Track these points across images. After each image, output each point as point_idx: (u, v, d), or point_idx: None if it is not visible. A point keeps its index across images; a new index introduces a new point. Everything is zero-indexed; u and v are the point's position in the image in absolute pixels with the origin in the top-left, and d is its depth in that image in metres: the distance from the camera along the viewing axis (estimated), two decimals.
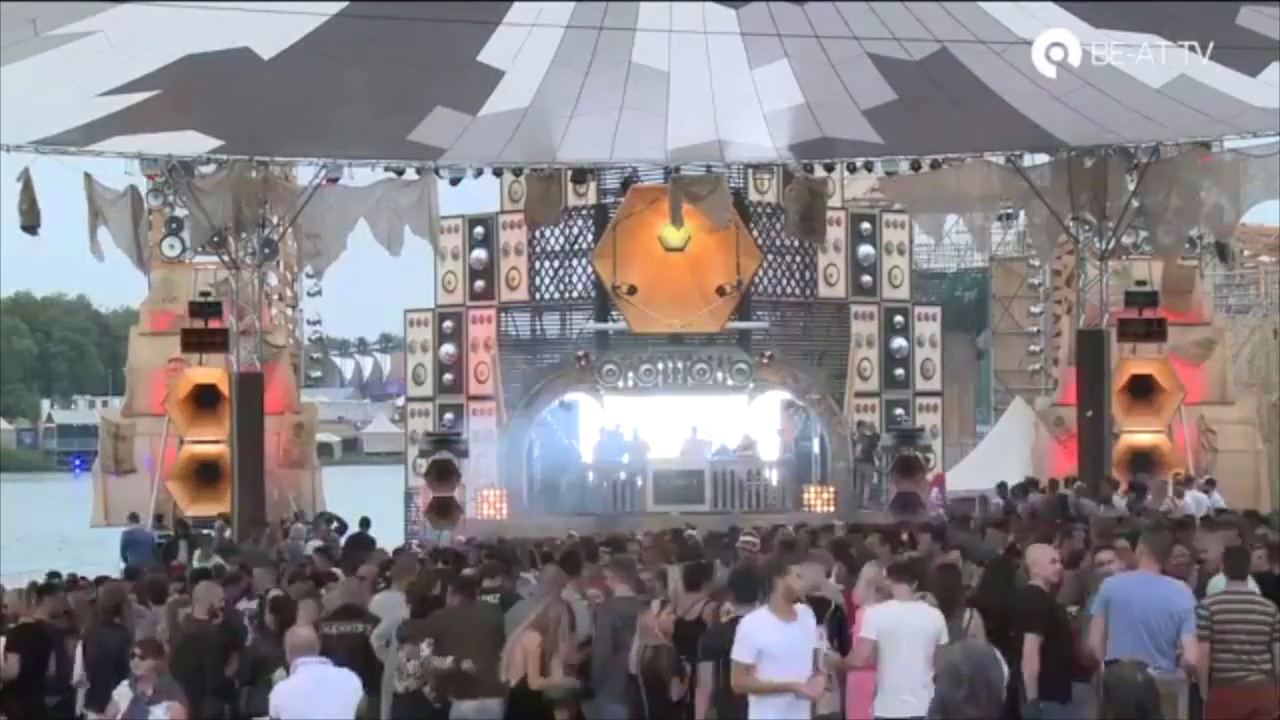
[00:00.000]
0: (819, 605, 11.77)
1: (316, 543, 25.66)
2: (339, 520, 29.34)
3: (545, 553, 17.38)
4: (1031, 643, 10.31)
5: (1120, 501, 25.70)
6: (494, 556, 16.20)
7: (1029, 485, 28.97)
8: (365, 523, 26.41)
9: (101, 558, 29.62)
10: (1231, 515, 19.69)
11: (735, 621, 10.64)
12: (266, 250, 31.07)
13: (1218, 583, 11.83)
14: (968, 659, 6.63)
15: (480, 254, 33.97)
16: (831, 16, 26.35)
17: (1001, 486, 28.84)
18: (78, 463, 74.23)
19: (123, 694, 10.67)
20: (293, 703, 9.50)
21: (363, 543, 22.36)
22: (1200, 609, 10.88)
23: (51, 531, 44.25)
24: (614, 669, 12.09)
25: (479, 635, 11.99)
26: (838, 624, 11.71)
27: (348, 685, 9.78)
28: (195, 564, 24.59)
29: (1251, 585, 11.48)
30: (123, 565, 26.97)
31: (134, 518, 29.40)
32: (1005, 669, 6.98)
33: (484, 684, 11.84)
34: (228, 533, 28.24)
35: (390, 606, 13.47)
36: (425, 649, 11.84)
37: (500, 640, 12.03)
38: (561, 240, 33.95)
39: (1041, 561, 11.30)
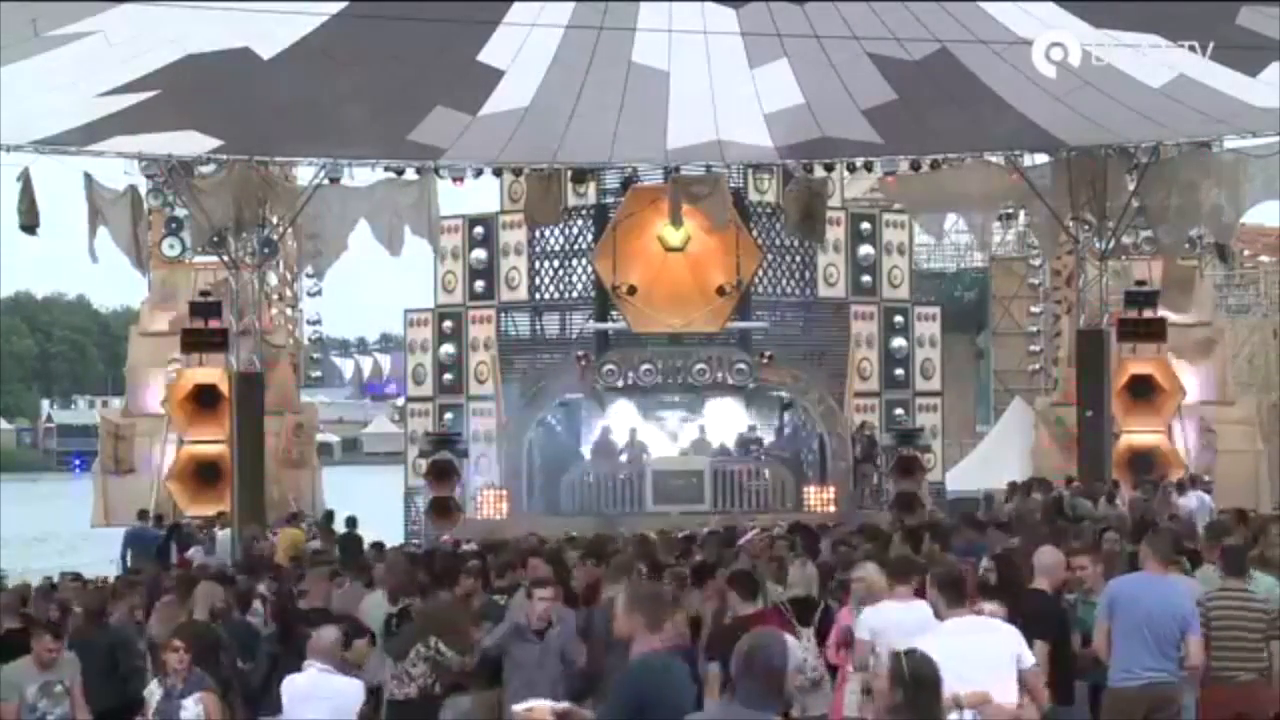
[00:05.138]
0: (806, 606, 11.77)
1: (315, 544, 25.57)
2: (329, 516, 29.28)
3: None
4: (1042, 649, 10.28)
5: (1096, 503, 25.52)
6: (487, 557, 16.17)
7: (1021, 486, 28.71)
8: (351, 522, 26.24)
9: (103, 557, 29.57)
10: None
11: (741, 623, 10.55)
12: (266, 250, 31.06)
13: (1210, 580, 11.83)
14: (752, 641, 6.80)
15: (480, 254, 33.98)
16: (831, 16, 26.29)
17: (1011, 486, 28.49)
18: (78, 462, 74.23)
19: (152, 692, 10.62)
20: (290, 701, 9.60)
21: (349, 544, 22.27)
22: (1196, 605, 10.85)
23: (51, 531, 44.25)
24: (606, 673, 11.94)
25: (457, 632, 11.96)
26: (827, 623, 11.67)
27: (345, 692, 9.75)
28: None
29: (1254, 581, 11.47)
30: (121, 562, 26.97)
31: (143, 514, 29.37)
32: (793, 657, 7.09)
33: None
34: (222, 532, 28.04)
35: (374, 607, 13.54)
36: (444, 648, 11.72)
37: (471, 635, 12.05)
38: (561, 240, 33.94)
39: (1051, 564, 11.27)
